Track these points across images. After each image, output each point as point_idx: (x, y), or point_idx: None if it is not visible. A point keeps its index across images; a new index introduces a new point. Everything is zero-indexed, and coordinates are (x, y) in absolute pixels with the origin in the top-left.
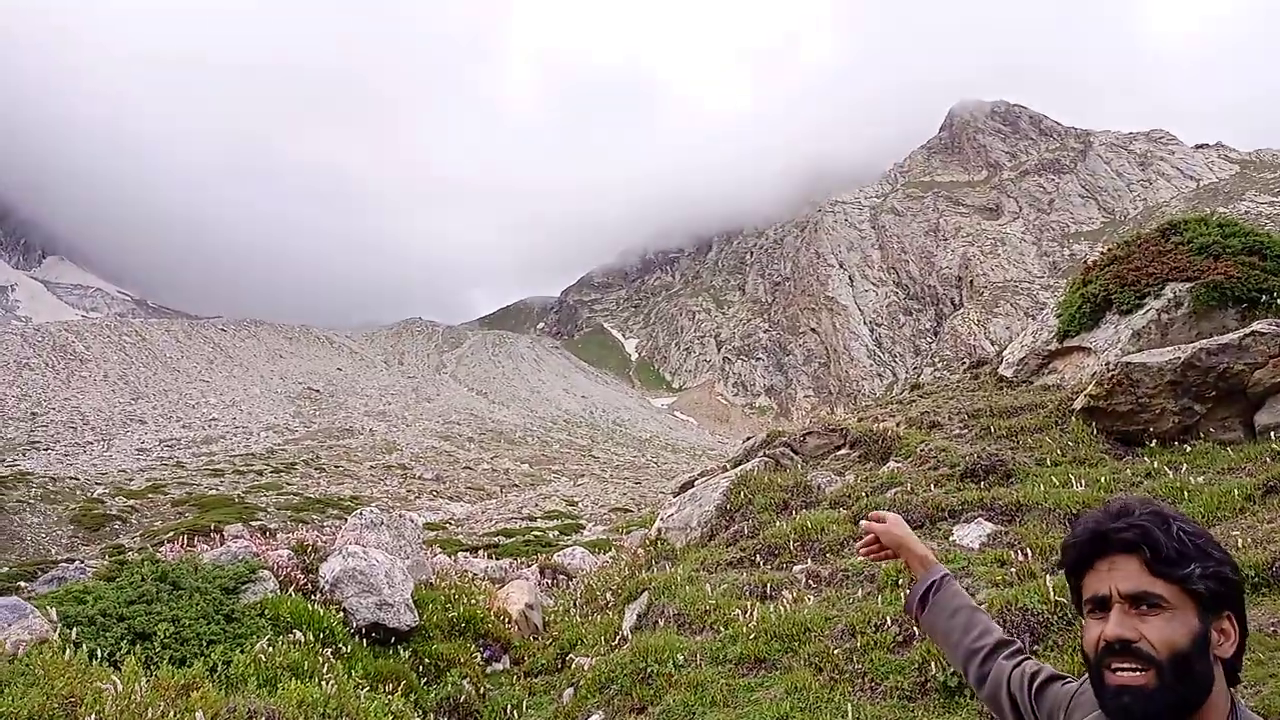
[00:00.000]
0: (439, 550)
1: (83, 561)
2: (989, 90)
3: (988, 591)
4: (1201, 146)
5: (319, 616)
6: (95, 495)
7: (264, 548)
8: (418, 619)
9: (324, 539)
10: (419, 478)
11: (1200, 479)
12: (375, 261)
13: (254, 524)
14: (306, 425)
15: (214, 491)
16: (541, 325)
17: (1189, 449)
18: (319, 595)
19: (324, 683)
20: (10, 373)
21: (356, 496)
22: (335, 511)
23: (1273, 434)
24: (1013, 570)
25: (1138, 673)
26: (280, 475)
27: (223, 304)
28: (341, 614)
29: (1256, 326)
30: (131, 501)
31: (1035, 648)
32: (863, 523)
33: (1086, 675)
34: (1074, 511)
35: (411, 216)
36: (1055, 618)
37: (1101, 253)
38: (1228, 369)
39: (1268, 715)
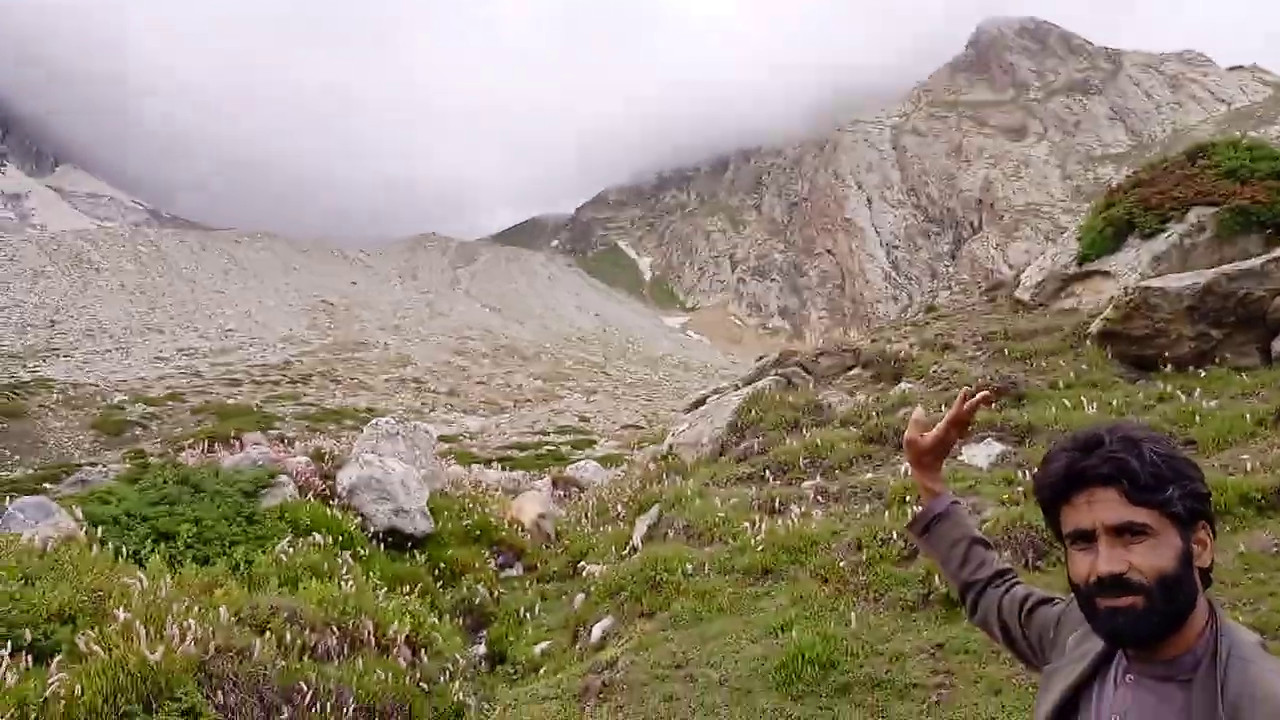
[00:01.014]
0: (453, 461)
1: (105, 466)
2: (1019, 5)
3: (994, 510)
4: (1235, 69)
5: (337, 521)
6: (115, 402)
7: (282, 455)
8: (433, 526)
9: (340, 448)
10: (433, 391)
11: (1213, 404)
12: (386, 178)
13: (272, 433)
14: (321, 338)
15: (232, 401)
16: (555, 243)
17: (1203, 374)
18: (336, 501)
19: (343, 583)
20: (27, 280)
21: (372, 408)
22: (351, 422)
23: None
24: (1019, 490)
25: (1128, 598)
26: (297, 386)
27: (235, 216)
28: (359, 519)
29: (1279, 253)
30: (151, 409)
31: (1039, 564)
32: (917, 412)
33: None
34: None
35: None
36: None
37: (1127, 176)
38: (1247, 295)
39: (1264, 631)
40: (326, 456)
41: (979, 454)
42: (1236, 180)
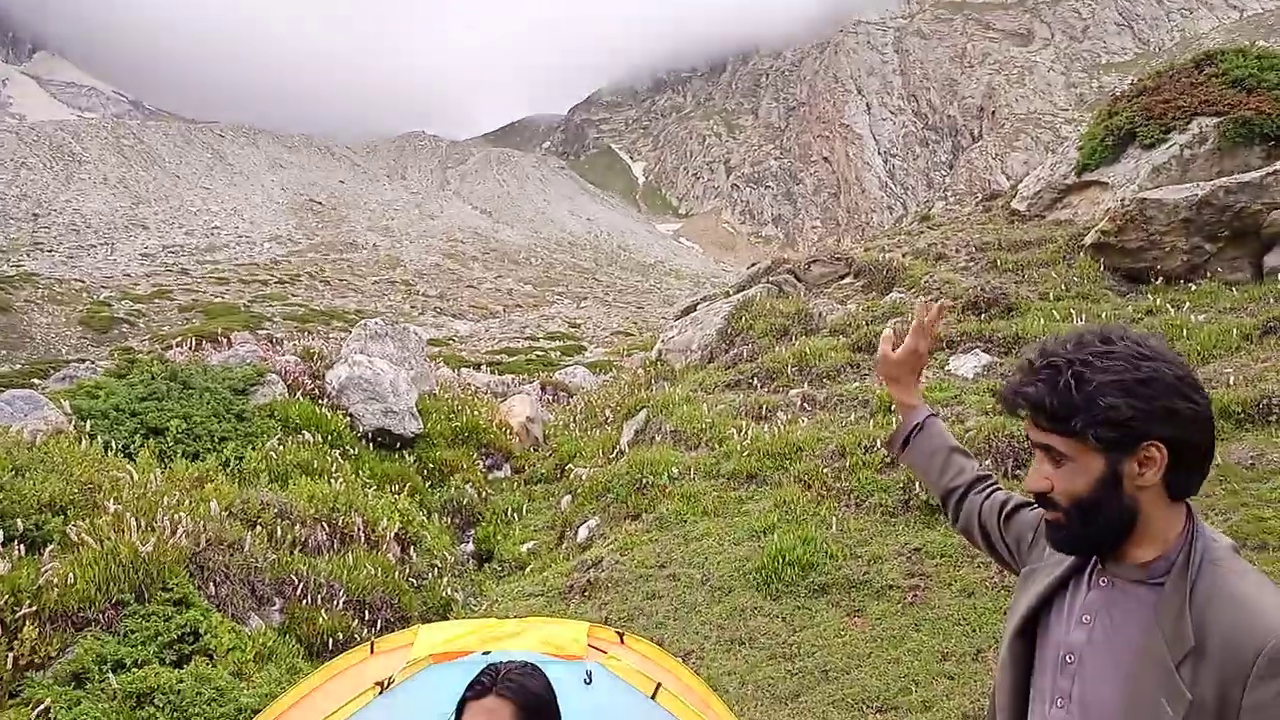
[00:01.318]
0: (442, 365)
1: (93, 362)
2: None
3: (977, 419)
4: None
5: (326, 420)
6: (101, 298)
7: (271, 354)
8: (422, 427)
9: (330, 348)
10: (423, 294)
11: (1201, 317)
12: (372, 71)
13: (260, 332)
14: (309, 237)
15: (219, 299)
16: (547, 144)
17: (1193, 288)
18: (326, 401)
19: (333, 480)
20: (8, 172)
21: (360, 310)
22: (340, 324)
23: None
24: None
25: (1054, 513)
26: (285, 286)
27: (219, 109)
28: (348, 419)
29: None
30: (138, 306)
31: (1018, 472)
32: (886, 331)
33: None
34: None
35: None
36: None
37: (1131, 83)
38: (1244, 208)
39: (1236, 540)
40: (316, 356)
41: (965, 364)
42: (1243, 90)
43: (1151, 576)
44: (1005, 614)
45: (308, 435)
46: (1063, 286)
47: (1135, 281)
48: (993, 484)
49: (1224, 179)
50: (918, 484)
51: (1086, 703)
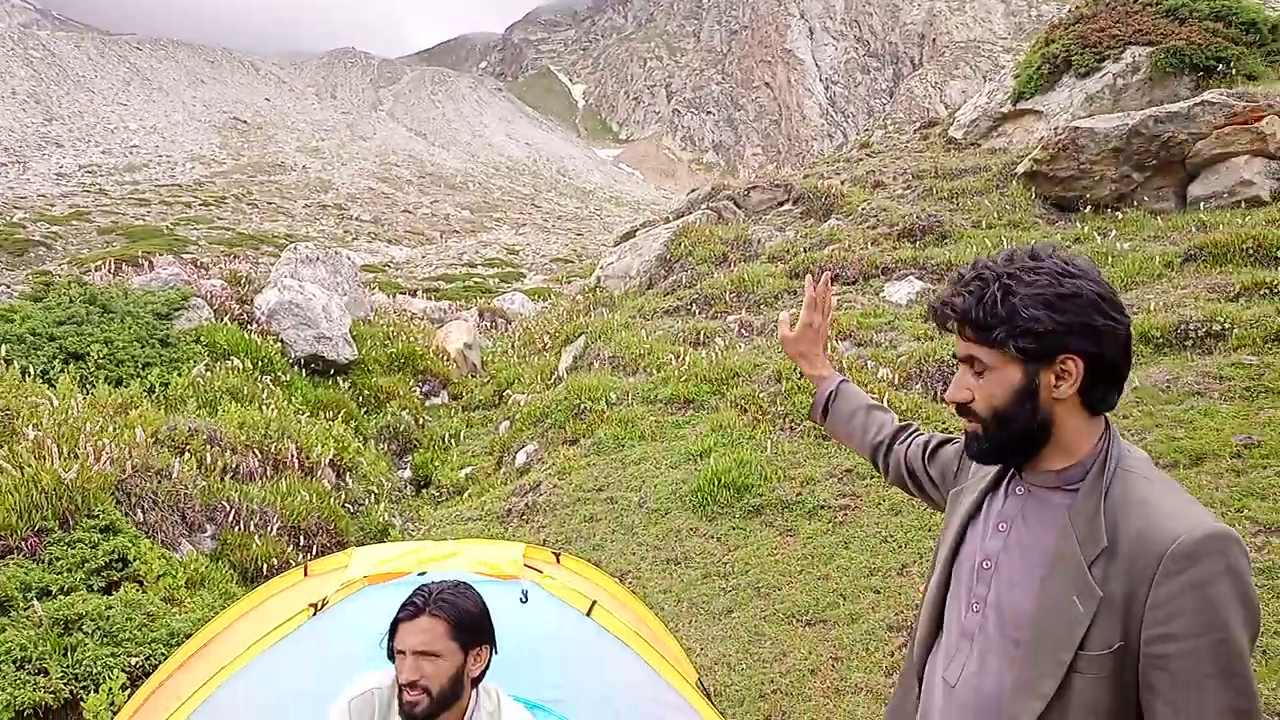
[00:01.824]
0: (377, 291)
1: (7, 286)
2: None
3: (909, 345)
4: None
5: (256, 346)
6: (15, 220)
7: (196, 277)
8: (356, 353)
9: (258, 273)
10: (355, 219)
11: (1126, 245)
12: None
13: (185, 256)
14: (235, 158)
15: (140, 222)
16: (484, 64)
17: (1120, 216)
18: (255, 326)
19: (264, 407)
20: None
21: (291, 235)
22: (269, 249)
23: (1202, 205)
24: (933, 326)
25: (971, 424)
26: (210, 209)
27: (133, 20)
28: (279, 345)
29: (1207, 96)
30: (55, 228)
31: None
32: (782, 314)
33: None
34: None
35: None
36: None
37: (1069, 11)
38: (1172, 138)
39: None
40: (243, 280)
41: (899, 291)
42: (1176, 20)
43: (1066, 483)
44: (931, 530)
45: (236, 361)
46: (995, 214)
47: (1065, 210)
48: (913, 431)
49: (1154, 109)
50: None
51: (1000, 605)
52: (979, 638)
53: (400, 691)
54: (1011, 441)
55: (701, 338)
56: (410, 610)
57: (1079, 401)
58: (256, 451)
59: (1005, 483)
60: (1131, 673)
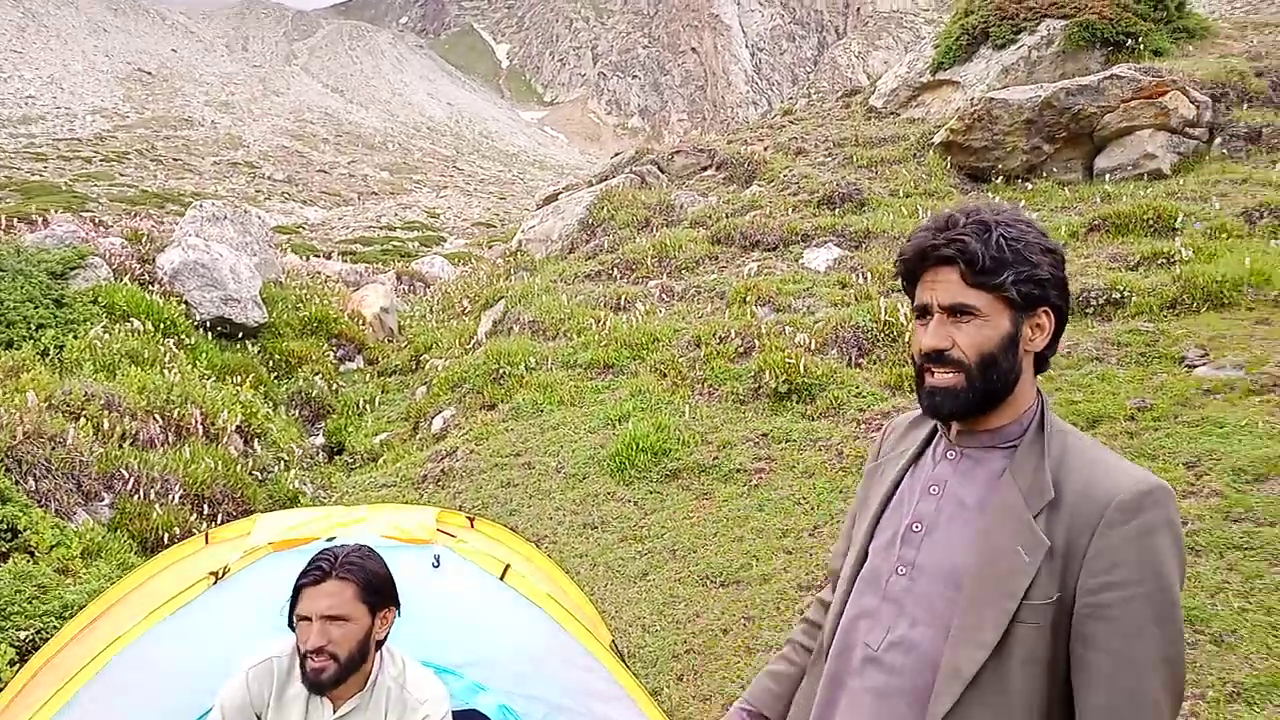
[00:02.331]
0: (289, 252)
1: None
2: None
3: (826, 311)
4: None
5: (158, 307)
6: None
7: (93, 235)
8: (266, 316)
9: (162, 231)
10: (268, 178)
11: (1035, 215)
12: None
13: (84, 214)
14: (139, 111)
15: (36, 178)
16: (405, 20)
17: (1030, 187)
18: (157, 287)
19: (166, 371)
20: None
21: (199, 193)
22: (175, 208)
23: (1108, 177)
24: (851, 292)
25: (949, 375)
26: (112, 165)
27: None
28: (183, 307)
29: (1116, 70)
30: None
31: (860, 360)
32: None
33: None
34: None
35: None
36: (882, 335)
37: None
38: (1081, 111)
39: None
40: (145, 239)
41: (818, 257)
42: None
43: (1004, 440)
44: (844, 493)
45: (137, 323)
46: (912, 183)
47: (979, 180)
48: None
49: (1066, 81)
50: (768, 373)
51: (934, 564)
52: (907, 600)
53: (304, 659)
54: (990, 391)
55: (622, 303)
56: (316, 574)
57: (1033, 358)
58: (158, 417)
59: (932, 451)
60: (1065, 626)
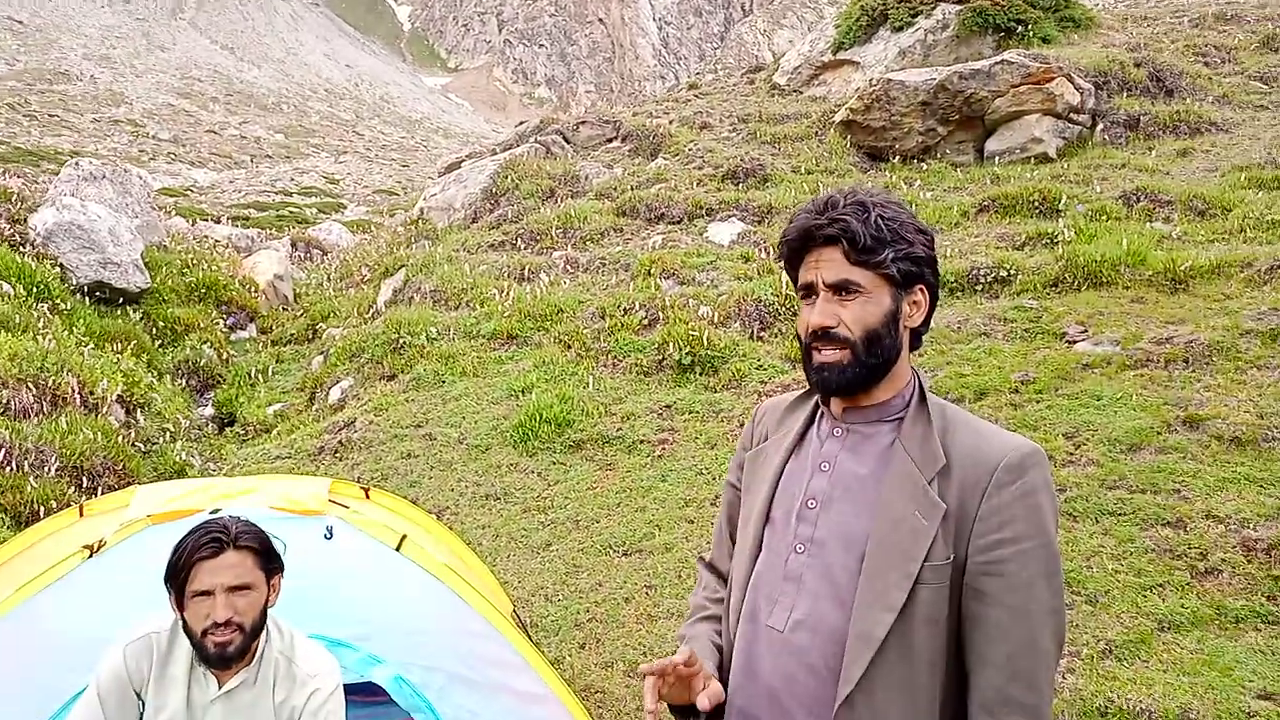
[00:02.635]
0: (175, 215)
1: None
2: None
3: (730, 284)
4: None
5: (30, 270)
6: None
7: None
8: (150, 281)
9: (34, 190)
10: (153, 137)
11: (928, 194)
12: None
13: None
14: (9, 64)
15: None
16: None
17: (924, 167)
18: (30, 249)
19: (40, 337)
20: None
21: (78, 151)
22: (52, 166)
23: (997, 159)
24: (754, 266)
25: (835, 352)
26: None
27: None
28: (58, 270)
29: (1007, 56)
30: None
31: (762, 334)
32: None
33: None
34: None
35: None
36: (783, 308)
37: None
38: (973, 94)
39: (940, 394)
40: (15, 198)
41: (722, 231)
42: None
43: (889, 414)
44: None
45: (8, 287)
46: (814, 160)
47: (876, 159)
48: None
49: (959, 65)
50: (672, 345)
51: (831, 541)
52: (808, 576)
53: (204, 636)
54: (875, 366)
55: (526, 273)
56: (213, 547)
57: (909, 334)
58: (31, 386)
59: (816, 430)
60: (958, 584)
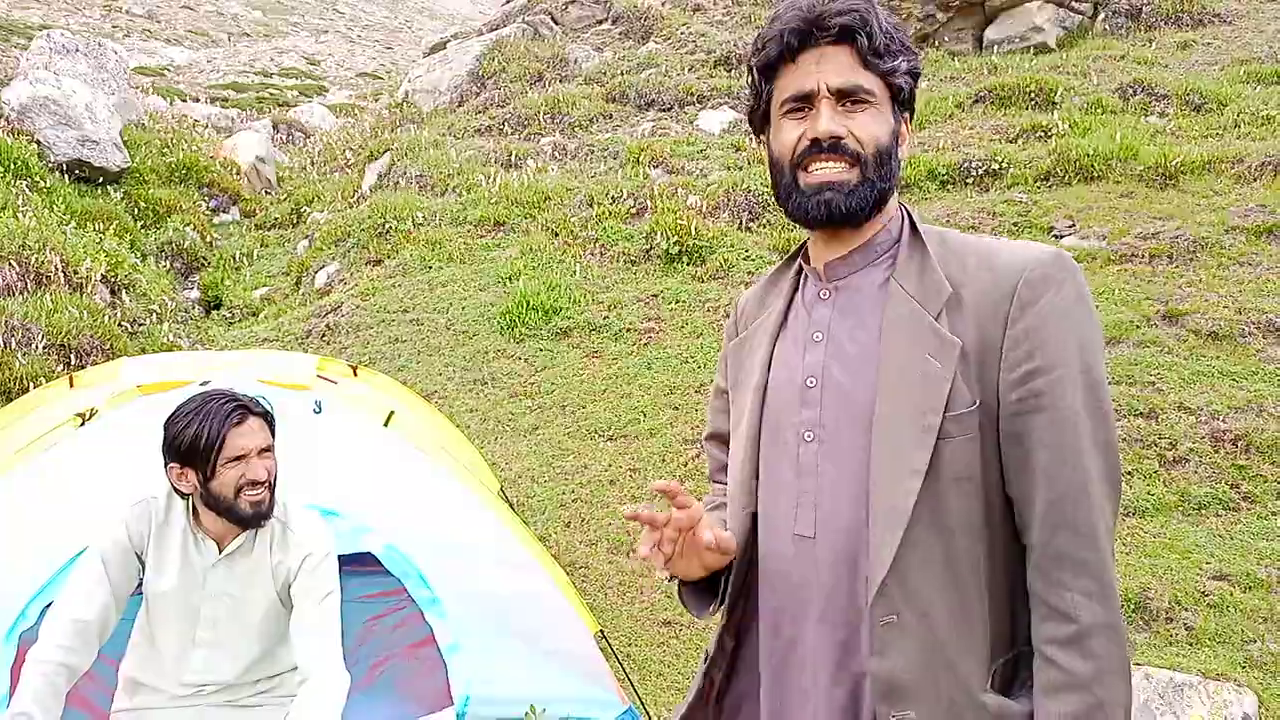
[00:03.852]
0: (152, 94)
1: None
2: None
3: (719, 174)
4: None
5: (7, 146)
6: None
7: None
8: (129, 161)
9: (3, 64)
10: (126, 12)
11: (925, 84)
12: None
13: None
14: None
15: None
16: None
17: (922, 56)
18: (4, 124)
19: (20, 215)
20: None
21: (46, 25)
22: (21, 41)
23: (996, 48)
24: (744, 156)
25: (842, 166)
26: None
27: None
28: (35, 147)
29: None
30: None
31: (750, 224)
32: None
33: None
34: None
35: None
36: (772, 199)
37: None
38: None
39: None
40: None
41: (713, 120)
42: None
43: (877, 254)
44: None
45: None
46: None
47: None
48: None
49: None
50: (659, 235)
51: (840, 419)
52: (825, 466)
53: (237, 497)
54: (884, 188)
55: (514, 159)
56: (240, 414)
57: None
58: (14, 263)
59: (801, 301)
60: (992, 431)
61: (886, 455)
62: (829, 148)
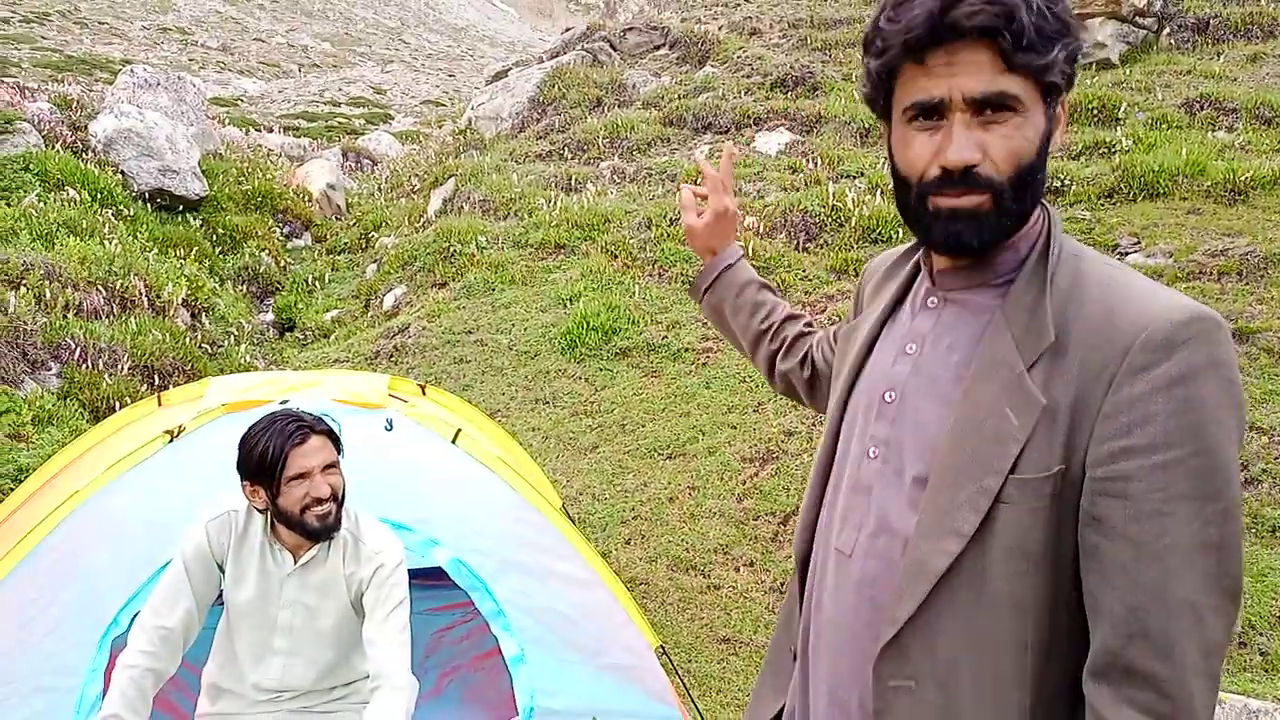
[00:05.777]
0: (227, 124)
1: None
2: None
3: (776, 195)
4: None
5: (94, 176)
6: None
7: (19, 100)
8: (207, 189)
9: (92, 97)
10: (202, 46)
11: None
12: None
13: (6, 80)
14: None
15: None
16: None
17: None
18: (91, 155)
19: (106, 242)
20: None
21: (128, 60)
22: (104, 75)
23: None
24: (801, 177)
25: (974, 197)
26: (32, 26)
27: None
28: (120, 177)
29: None
30: None
31: (808, 245)
32: (684, 194)
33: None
34: (866, 126)
35: None
36: (829, 220)
37: None
38: None
39: None
40: (75, 105)
41: (770, 141)
42: None
43: (997, 276)
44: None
45: (73, 193)
46: None
47: None
48: (808, 320)
49: None
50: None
51: (907, 443)
52: (878, 488)
53: (303, 513)
54: (1021, 212)
55: (574, 183)
56: (302, 434)
57: None
58: (101, 288)
59: (911, 299)
60: (1071, 505)
61: (935, 507)
62: (960, 179)
